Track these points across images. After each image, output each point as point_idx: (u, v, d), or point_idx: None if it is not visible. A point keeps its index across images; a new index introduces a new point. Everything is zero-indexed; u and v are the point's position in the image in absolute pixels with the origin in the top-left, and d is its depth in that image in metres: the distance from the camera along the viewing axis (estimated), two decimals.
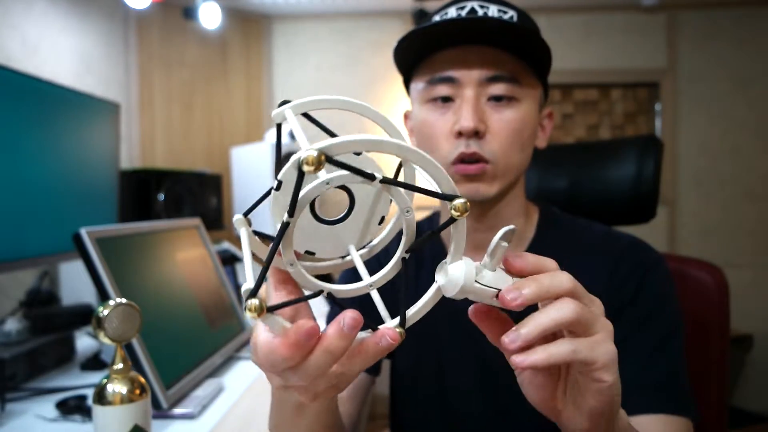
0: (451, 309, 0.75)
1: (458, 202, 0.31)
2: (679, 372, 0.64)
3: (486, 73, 0.65)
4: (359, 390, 0.76)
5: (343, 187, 0.34)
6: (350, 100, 0.37)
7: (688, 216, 3.07)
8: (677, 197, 3.07)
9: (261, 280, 0.30)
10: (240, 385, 0.97)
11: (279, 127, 0.38)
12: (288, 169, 0.31)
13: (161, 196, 1.88)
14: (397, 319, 0.33)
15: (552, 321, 0.34)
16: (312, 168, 0.27)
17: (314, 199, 0.34)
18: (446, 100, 0.68)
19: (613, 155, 0.98)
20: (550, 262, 0.37)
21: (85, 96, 1.29)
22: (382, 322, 0.34)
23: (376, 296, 0.36)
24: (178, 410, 0.83)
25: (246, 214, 0.37)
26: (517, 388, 0.54)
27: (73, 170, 1.23)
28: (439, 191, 0.32)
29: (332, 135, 0.37)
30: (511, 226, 0.35)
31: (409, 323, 0.34)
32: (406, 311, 0.34)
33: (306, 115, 0.38)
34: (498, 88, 0.65)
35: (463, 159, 0.66)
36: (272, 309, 0.31)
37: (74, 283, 1.49)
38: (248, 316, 0.29)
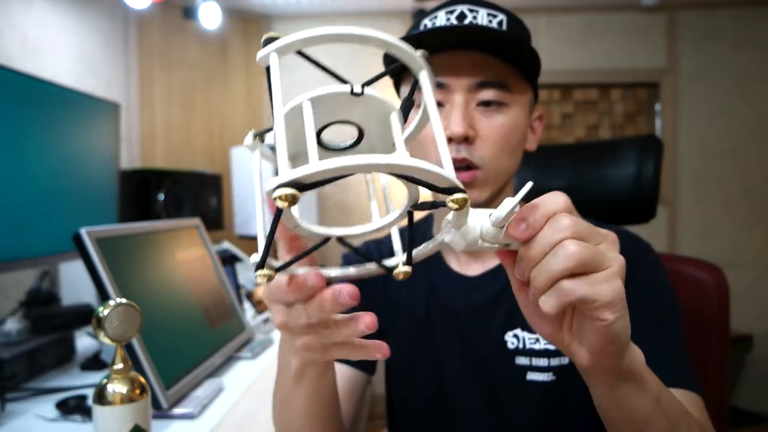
0: (445, 309, 0.75)
1: (458, 196, 0.29)
2: (680, 352, 0.64)
3: (475, 79, 0.66)
4: (355, 389, 0.76)
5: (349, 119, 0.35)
6: (349, 31, 0.32)
7: (688, 216, 3.07)
8: (677, 197, 3.07)
9: (266, 252, 0.32)
10: (240, 385, 0.97)
11: (268, 70, 0.33)
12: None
13: (161, 196, 1.88)
14: (404, 256, 0.37)
15: (557, 271, 0.35)
16: (286, 204, 0.26)
17: (321, 129, 0.35)
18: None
19: (613, 155, 0.98)
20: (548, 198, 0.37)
21: (85, 96, 1.29)
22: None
23: (395, 233, 0.39)
24: (178, 410, 0.83)
25: (258, 135, 0.37)
26: (513, 387, 0.54)
27: (73, 170, 1.23)
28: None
29: (337, 78, 0.36)
30: (529, 184, 0.36)
31: (415, 260, 0.37)
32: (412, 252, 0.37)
33: (302, 54, 0.35)
34: (487, 94, 0.66)
35: (454, 165, 0.66)
36: (280, 269, 0.34)
37: (74, 283, 1.49)
38: (259, 281, 0.33)
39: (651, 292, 0.67)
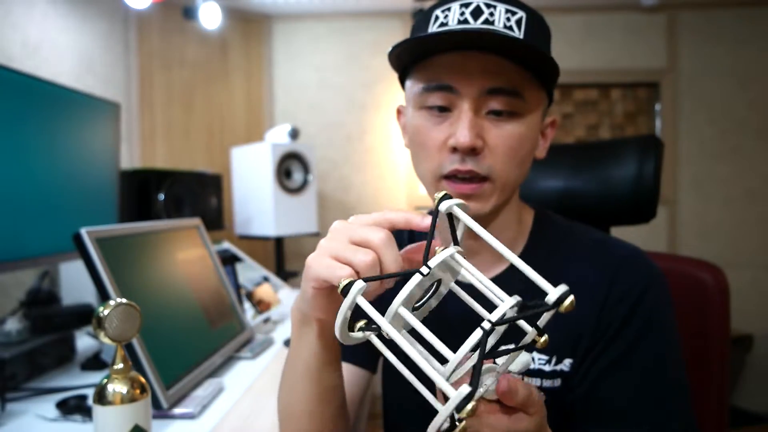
0: (440, 317, 0.75)
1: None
2: (663, 398, 0.63)
3: (486, 84, 0.60)
4: (357, 387, 0.76)
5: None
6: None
7: (688, 216, 3.07)
8: (677, 197, 3.07)
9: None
10: (240, 385, 0.97)
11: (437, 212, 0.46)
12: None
13: (161, 196, 1.88)
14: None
15: None
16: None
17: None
18: (443, 109, 0.63)
19: (613, 155, 0.98)
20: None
21: (85, 96, 1.29)
22: None
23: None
24: (178, 410, 0.83)
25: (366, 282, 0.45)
26: None
27: (73, 170, 1.23)
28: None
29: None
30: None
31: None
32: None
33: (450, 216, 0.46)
34: (498, 103, 0.61)
35: (458, 175, 0.62)
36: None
37: (74, 283, 1.49)
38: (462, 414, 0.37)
39: (644, 334, 0.64)
